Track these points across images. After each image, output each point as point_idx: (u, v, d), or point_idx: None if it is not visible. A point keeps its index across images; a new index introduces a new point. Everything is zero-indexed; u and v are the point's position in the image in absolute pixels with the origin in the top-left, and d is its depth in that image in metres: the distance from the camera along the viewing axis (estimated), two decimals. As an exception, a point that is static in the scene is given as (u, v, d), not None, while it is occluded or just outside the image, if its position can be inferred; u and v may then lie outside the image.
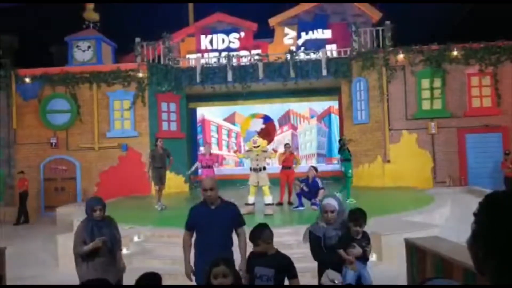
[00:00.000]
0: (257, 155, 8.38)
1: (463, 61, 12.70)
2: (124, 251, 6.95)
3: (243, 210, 8.34)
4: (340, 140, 10.39)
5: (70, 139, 13.64)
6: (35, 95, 13.62)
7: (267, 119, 8.72)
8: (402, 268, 4.87)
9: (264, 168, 8.42)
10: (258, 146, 8.38)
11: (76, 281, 6.42)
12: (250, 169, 8.51)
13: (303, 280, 6.16)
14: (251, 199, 8.51)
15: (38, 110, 13.55)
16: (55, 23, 15.54)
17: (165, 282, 3.36)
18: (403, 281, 4.51)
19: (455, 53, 12.66)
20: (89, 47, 14.08)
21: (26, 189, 12.44)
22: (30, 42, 16.52)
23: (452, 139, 12.77)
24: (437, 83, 12.78)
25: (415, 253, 3.77)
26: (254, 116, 8.28)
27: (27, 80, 13.54)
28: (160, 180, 9.99)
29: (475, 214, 1.02)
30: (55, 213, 11.50)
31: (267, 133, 8.79)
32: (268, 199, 8.45)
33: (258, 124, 8.57)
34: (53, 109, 13.55)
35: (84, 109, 13.61)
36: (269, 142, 9.01)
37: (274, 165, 14.07)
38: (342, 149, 9.96)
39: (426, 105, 12.89)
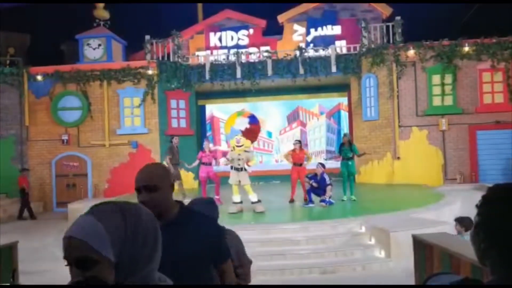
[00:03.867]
0: (239, 154, 8.35)
1: (474, 56, 12.53)
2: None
3: (231, 209, 8.44)
4: (345, 136, 10.24)
5: (81, 136, 13.80)
6: (46, 93, 13.80)
7: (253, 119, 8.47)
8: (410, 264, 4.85)
9: (245, 169, 8.42)
10: (241, 146, 8.36)
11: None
12: (231, 167, 8.47)
13: (311, 276, 6.19)
14: (236, 197, 8.56)
15: (50, 107, 13.73)
16: (66, 21, 15.70)
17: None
18: (411, 277, 4.50)
19: (466, 48, 12.49)
20: (99, 45, 14.21)
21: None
22: (41, 40, 16.72)
23: (463, 135, 12.63)
24: (448, 79, 12.64)
25: (423, 249, 3.75)
26: (240, 114, 8.07)
27: (39, 77, 13.72)
28: (178, 176, 10.26)
29: (477, 206, 1.02)
30: (66, 209, 11.67)
31: (252, 133, 8.66)
32: (253, 197, 8.47)
33: (243, 123, 8.30)
34: (65, 107, 13.71)
35: (95, 106, 13.75)
36: (252, 142, 8.92)
37: (282, 162, 14.05)
38: (350, 146, 9.86)
39: (436, 102, 12.75)
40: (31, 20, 17.19)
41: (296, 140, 10.03)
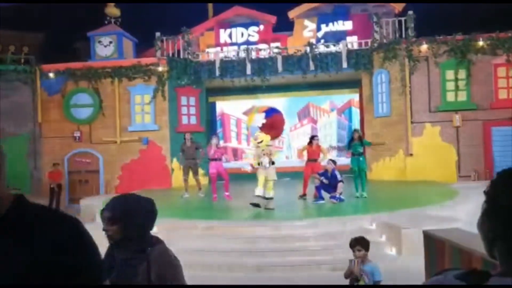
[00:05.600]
0: (263, 150, 8.29)
1: (489, 51, 12.26)
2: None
3: (255, 200, 8.38)
4: (355, 131, 10.09)
5: (93, 133, 13.92)
6: (59, 90, 13.96)
7: (270, 112, 8.37)
8: (422, 261, 4.75)
9: (273, 163, 8.35)
10: (261, 142, 8.29)
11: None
12: (258, 164, 8.39)
13: (320, 273, 6.12)
14: (259, 190, 8.43)
15: (62, 104, 13.88)
16: (80, 19, 15.84)
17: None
18: (422, 275, 4.41)
19: (481, 43, 12.24)
20: (110, 42, 14.31)
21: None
22: (55, 38, 16.90)
23: (478, 132, 12.39)
24: (462, 74, 12.40)
25: (433, 244, 3.67)
26: (256, 110, 8.05)
27: (51, 75, 13.88)
28: (191, 170, 10.59)
29: (485, 192, 0.97)
30: (79, 205, 11.80)
31: (271, 126, 8.52)
32: (270, 194, 8.42)
33: (259, 119, 8.21)
34: (77, 104, 13.86)
35: (106, 103, 13.86)
36: (276, 136, 8.73)
37: (292, 158, 13.96)
38: (360, 141, 9.74)
39: (450, 97, 12.53)
40: (45, 19, 17.39)
41: (313, 136, 9.94)
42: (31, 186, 13.74)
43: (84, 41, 15.67)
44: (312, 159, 9.46)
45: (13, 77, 13.85)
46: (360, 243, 3.96)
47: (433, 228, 5.19)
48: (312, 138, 9.75)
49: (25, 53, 15.01)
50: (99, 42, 14.31)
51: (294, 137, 16.10)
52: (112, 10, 14.64)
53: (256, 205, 8.32)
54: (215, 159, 9.71)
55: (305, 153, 9.80)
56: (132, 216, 1.92)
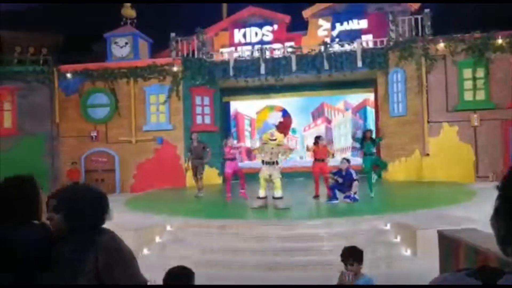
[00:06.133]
0: (272, 148, 8.26)
1: (508, 49, 11.99)
2: (157, 239, 7.15)
3: (254, 204, 8.43)
4: (368, 131, 10.00)
5: (110, 133, 14.12)
6: (76, 90, 14.20)
7: (284, 113, 8.49)
8: (438, 263, 4.67)
9: (277, 162, 8.33)
10: (275, 140, 8.26)
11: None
12: (262, 162, 8.39)
13: (333, 273, 6.07)
14: (262, 192, 8.46)
15: (79, 104, 14.11)
16: (96, 21, 16.07)
17: (194, 270, 3.32)
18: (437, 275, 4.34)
19: (499, 41, 11.97)
20: (126, 43, 14.49)
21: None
22: (73, 40, 17.19)
23: (496, 132, 12.12)
24: (480, 73, 12.15)
25: (448, 245, 3.60)
26: (272, 108, 8.10)
27: (69, 76, 14.14)
28: (195, 169, 10.66)
29: (497, 188, 0.94)
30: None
31: (285, 127, 8.63)
32: (278, 193, 8.39)
33: (277, 117, 8.24)
34: (93, 104, 14.08)
35: (122, 103, 14.04)
36: (285, 136, 8.85)
37: (306, 158, 13.91)
38: (372, 141, 9.65)
39: (468, 96, 12.30)
40: (63, 20, 17.70)
41: (317, 136, 9.91)
42: (48, 185, 13.99)
43: (100, 42, 15.91)
44: (320, 159, 9.42)
45: (32, 77, 14.15)
46: (352, 256, 3.57)
47: (448, 228, 5.10)
48: (318, 138, 9.69)
49: (44, 54, 15.32)
50: (115, 43, 14.51)
51: (308, 137, 16.02)
52: (128, 11, 14.83)
53: (257, 208, 8.34)
54: (231, 159, 9.75)
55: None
56: (78, 206, 1.85)
